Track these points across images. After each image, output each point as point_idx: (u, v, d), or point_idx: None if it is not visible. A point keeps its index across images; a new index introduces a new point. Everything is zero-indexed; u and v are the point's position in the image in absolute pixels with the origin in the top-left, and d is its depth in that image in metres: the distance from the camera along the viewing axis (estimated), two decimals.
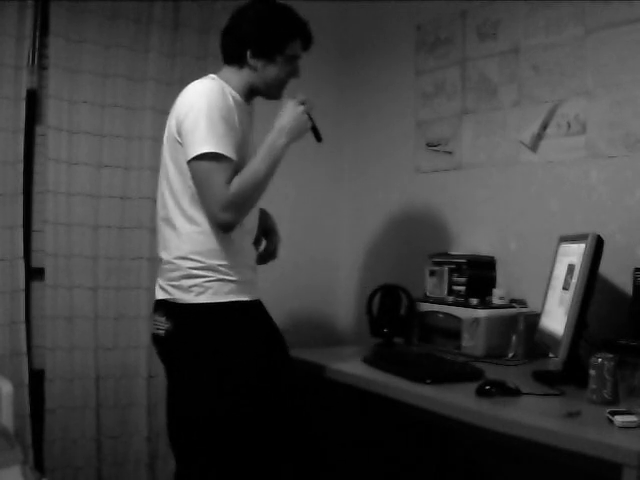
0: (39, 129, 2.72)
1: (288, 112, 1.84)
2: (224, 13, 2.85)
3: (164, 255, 1.87)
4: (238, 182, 1.74)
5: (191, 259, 1.80)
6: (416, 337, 2.52)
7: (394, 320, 2.52)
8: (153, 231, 2.79)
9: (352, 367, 2.14)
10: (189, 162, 1.76)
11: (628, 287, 2.02)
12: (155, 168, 2.77)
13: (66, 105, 2.66)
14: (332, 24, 3.24)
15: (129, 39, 2.76)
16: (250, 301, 1.86)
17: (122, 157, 2.78)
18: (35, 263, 2.72)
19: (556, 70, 2.36)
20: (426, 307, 2.50)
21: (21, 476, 1.80)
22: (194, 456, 1.82)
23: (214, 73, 1.90)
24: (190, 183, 1.79)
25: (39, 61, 2.67)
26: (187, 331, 1.81)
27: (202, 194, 1.76)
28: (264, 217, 2.09)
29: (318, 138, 1.94)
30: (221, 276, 1.80)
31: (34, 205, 2.72)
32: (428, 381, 1.87)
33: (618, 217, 2.16)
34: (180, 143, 1.79)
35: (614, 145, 2.18)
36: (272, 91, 1.92)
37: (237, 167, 1.77)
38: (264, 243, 2.11)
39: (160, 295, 1.87)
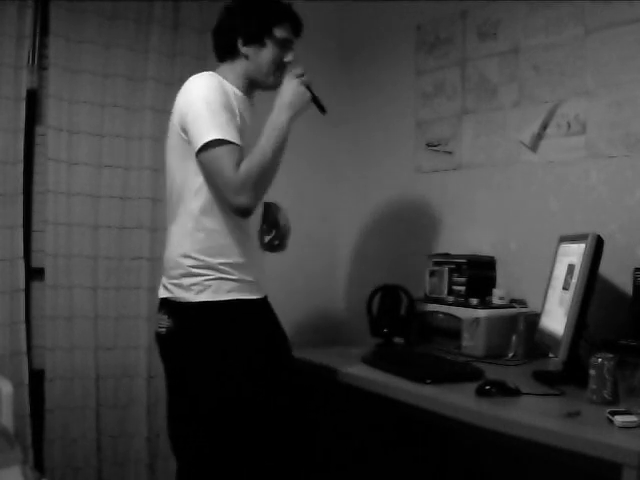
0: (39, 129, 2.72)
1: (285, 87, 1.84)
2: None
3: (167, 253, 1.88)
4: (246, 164, 1.73)
5: (191, 257, 1.80)
6: (416, 337, 2.52)
7: (394, 320, 2.52)
8: (153, 231, 2.81)
9: (352, 367, 2.14)
10: (198, 155, 1.75)
11: (628, 287, 2.02)
12: (155, 168, 2.80)
13: (66, 105, 2.66)
14: (332, 24, 3.24)
15: (129, 39, 2.76)
16: (252, 299, 1.85)
17: (122, 157, 2.78)
18: (35, 263, 2.72)
19: (556, 70, 2.36)
20: (426, 307, 2.50)
21: (21, 476, 1.80)
22: (194, 454, 1.82)
23: (214, 69, 1.90)
24: (195, 179, 1.79)
25: (39, 61, 2.67)
26: (187, 330, 1.81)
27: (215, 183, 1.76)
28: (272, 209, 2.09)
29: (322, 109, 1.92)
30: (221, 275, 1.80)
31: (34, 205, 2.72)
32: (428, 381, 1.87)
33: (618, 217, 2.16)
34: (185, 140, 1.79)
35: (614, 145, 2.18)
36: (270, 79, 1.91)
37: (243, 154, 1.76)
38: (273, 234, 2.10)
39: (163, 293, 1.88)
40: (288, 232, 2.10)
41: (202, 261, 1.80)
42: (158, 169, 2.79)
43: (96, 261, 2.73)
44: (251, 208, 1.76)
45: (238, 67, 1.90)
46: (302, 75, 1.86)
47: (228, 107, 1.77)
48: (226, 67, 1.91)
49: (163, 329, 1.84)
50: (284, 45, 1.90)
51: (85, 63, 2.69)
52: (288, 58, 1.91)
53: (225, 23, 1.93)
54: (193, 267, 1.80)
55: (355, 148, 3.26)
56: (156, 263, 2.81)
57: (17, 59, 2.55)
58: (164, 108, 2.77)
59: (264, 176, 1.76)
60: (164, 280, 1.89)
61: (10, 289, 2.55)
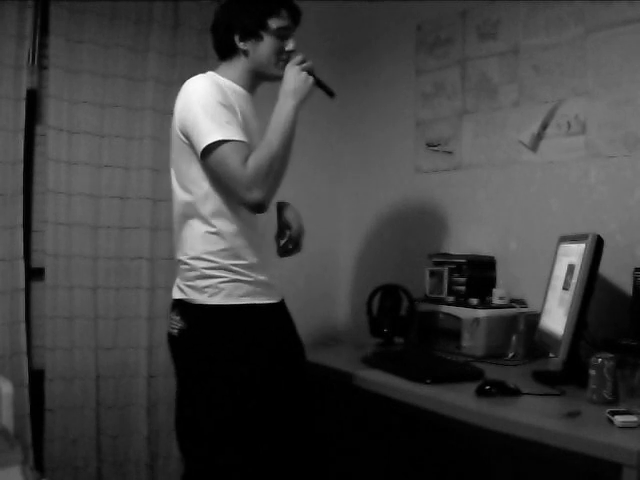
0: (39, 129, 2.71)
1: (287, 76, 1.83)
2: None
3: (180, 256, 1.86)
4: (253, 158, 1.71)
5: (204, 259, 1.79)
6: (416, 337, 2.52)
7: (394, 320, 2.52)
8: (153, 231, 2.81)
9: (352, 367, 2.14)
10: (203, 159, 1.74)
11: (628, 287, 2.02)
12: (155, 168, 2.80)
13: (66, 105, 2.66)
14: (332, 24, 3.24)
15: (129, 39, 2.76)
16: (265, 304, 1.84)
17: (122, 157, 2.77)
18: (35, 263, 2.71)
19: (556, 70, 2.36)
20: (426, 307, 2.50)
21: (21, 476, 1.80)
22: (202, 456, 1.81)
23: (215, 69, 1.90)
24: (201, 182, 1.78)
25: (39, 61, 2.66)
26: (199, 332, 1.80)
27: (225, 183, 1.74)
28: (283, 211, 2.07)
29: (329, 93, 1.91)
30: (236, 277, 1.79)
31: (34, 205, 2.72)
32: (428, 381, 1.87)
33: (618, 217, 2.16)
34: (186, 144, 1.78)
35: (614, 145, 2.18)
36: (274, 70, 1.89)
37: (249, 150, 1.75)
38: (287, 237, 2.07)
39: (176, 295, 1.87)
40: (302, 234, 2.07)
41: (216, 263, 1.78)
42: (158, 169, 2.80)
43: (96, 261, 2.73)
44: (265, 202, 1.74)
45: (239, 63, 1.89)
46: (302, 62, 1.85)
47: (225, 105, 1.75)
48: (227, 65, 1.90)
49: (175, 330, 1.84)
50: (282, 35, 1.88)
51: (85, 63, 2.69)
52: (289, 47, 1.88)
53: (221, 21, 1.92)
54: (207, 269, 1.79)
55: (355, 148, 3.26)
56: (156, 263, 2.82)
57: (17, 59, 2.55)
58: (164, 108, 2.78)
59: (274, 167, 1.74)
60: (178, 281, 1.88)
61: (10, 289, 2.55)
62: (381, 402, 1.97)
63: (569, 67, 2.31)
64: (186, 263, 1.83)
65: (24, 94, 2.58)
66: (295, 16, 1.91)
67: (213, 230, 1.79)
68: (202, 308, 1.79)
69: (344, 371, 2.12)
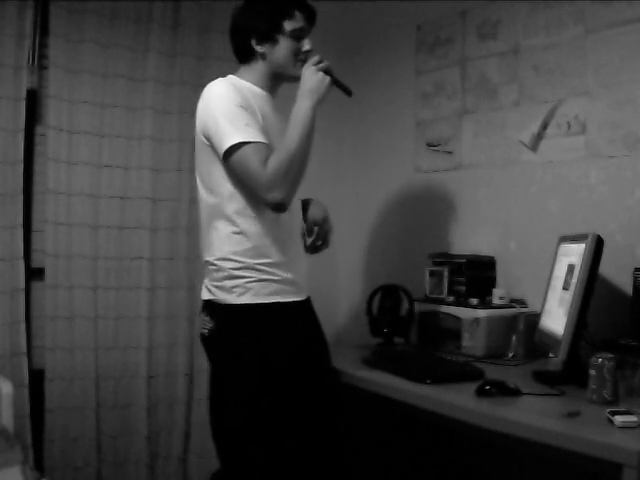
0: (39, 129, 2.71)
1: (304, 76, 1.84)
2: (224, 13, 2.86)
3: (207, 257, 1.88)
4: (274, 158, 1.73)
5: (231, 260, 1.81)
6: (416, 337, 2.52)
7: (394, 320, 2.52)
8: (153, 231, 2.81)
9: (352, 367, 2.14)
10: (225, 162, 1.76)
11: (628, 287, 2.02)
12: (155, 168, 2.80)
13: (66, 105, 2.66)
14: (332, 24, 3.22)
15: (129, 39, 2.76)
16: (292, 302, 1.86)
17: (122, 157, 2.78)
18: (35, 263, 2.72)
19: (556, 70, 2.36)
20: (426, 307, 2.50)
21: (21, 476, 1.80)
22: (235, 455, 1.84)
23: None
24: (225, 184, 1.80)
25: (39, 61, 2.67)
26: (229, 331, 1.83)
27: (246, 185, 1.77)
28: (309, 207, 2.07)
29: (347, 92, 1.93)
30: (263, 276, 1.81)
31: (34, 205, 2.72)
32: (428, 381, 1.87)
33: (618, 217, 2.16)
34: (208, 146, 1.81)
35: (614, 145, 2.18)
36: (292, 70, 1.90)
37: (270, 151, 1.76)
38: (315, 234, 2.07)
39: (205, 295, 1.90)
40: (329, 229, 2.09)
41: (242, 263, 1.80)
42: (158, 169, 2.80)
43: (96, 261, 2.73)
44: (286, 202, 1.75)
45: (258, 66, 1.90)
46: (319, 62, 1.85)
47: (245, 107, 1.77)
48: (246, 68, 1.92)
49: (206, 330, 1.87)
50: (297, 35, 1.89)
51: (85, 63, 2.69)
52: (305, 47, 1.89)
53: (237, 25, 1.93)
54: (234, 269, 1.81)
55: (355, 148, 3.26)
56: (156, 263, 2.82)
57: (17, 59, 2.55)
58: (164, 108, 2.78)
59: (294, 167, 1.75)
60: (206, 282, 1.90)
61: (10, 289, 2.55)
62: (381, 402, 1.97)
63: (569, 67, 2.31)
64: (213, 264, 1.85)
65: (24, 94, 2.58)
66: (310, 16, 1.92)
67: (238, 230, 1.81)
68: (231, 308, 1.82)
69: (344, 371, 2.12)
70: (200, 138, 1.83)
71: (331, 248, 3.26)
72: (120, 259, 2.77)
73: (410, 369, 1.99)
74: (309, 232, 2.04)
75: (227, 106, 1.76)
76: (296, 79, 1.89)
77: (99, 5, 2.70)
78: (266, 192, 1.72)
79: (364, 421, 2.44)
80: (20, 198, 2.58)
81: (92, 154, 2.72)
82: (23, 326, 2.57)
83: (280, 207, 1.76)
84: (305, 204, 2.07)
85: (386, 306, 2.55)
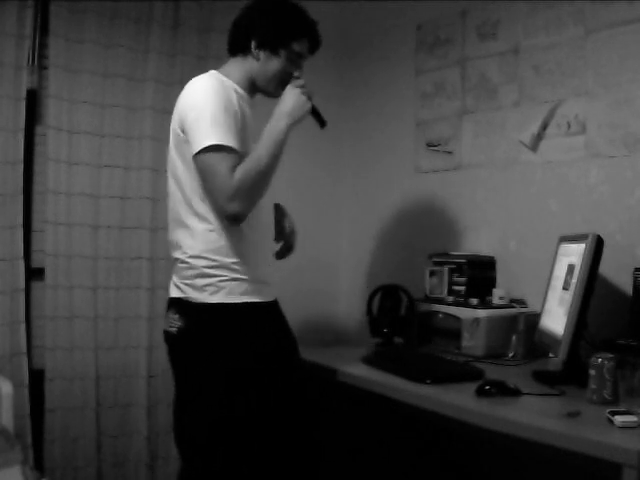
0: (39, 129, 2.71)
1: (286, 95, 1.84)
2: (224, 13, 2.86)
3: (178, 254, 1.86)
4: (241, 170, 1.72)
5: (205, 258, 1.79)
6: (416, 337, 2.52)
7: (394, 320, 2.52)
8: (153, 231, 2.81)
9: (352, 367, 2.14)
10: (194, 157, 1.75)
11: (628, 287, 2.02)
12: (155, 168, 2.80)
13: (66, 105, 2.66)
14: (332, 24, 3.21)
15: (129, 39, 2.76)
16: (264, 302, 1.85)
17: (122, 157, 2.77)
18: (35, 263, 2.71)
19: (556, 70, 2.36)
20: (426, 307, 2.50)
21: (21, 476, 1.80)
22: (199, 456, 1.81)
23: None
24: (199, 182, 1.78)
25: (39, 61, 2.66)
26: (199, 330, 1.81)
27: (208, 187, 1.75)
28: (277, 215, 2.08)
29: (321, 123, 1.92)
30: (235, 275, 1.79)
31: (34, 205, 2.72)
32: (428, 381, 1.87)
33: (618, 217, 2.16)
34: (185, 141, 1.78)
35: (614, 145, 2.18)
36: (270, 87, 1.91)
37: (241, 158, 1.75)
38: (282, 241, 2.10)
39: (174, 293, 1.87)
40: (294, 236, 2.11)
41: (215, 261, 1.79)
42: (158, 169, 2.80)
43: (96, 261, 2.73)
44: (243, 215, 1.75)
45: (246, 65, 1.90)
46: (303, 86, 1.86)
47: (229, 109, 1.76)
48: (234, 63, 1.91)
49: (174, 328, 1.84)
50: (295, 59, 1.90)
51: (85, 63, 2.69)
52: (296, 74, 1.90)
53: (246, 19, 1.91)
54: (207, 267, 1.79)
55: (355, 148, 3.26)
56: (156, 263, 2.81)
57: (17, 59, 2.55)
58: (164, 108, 2.77)
59: (258, 183, 1.75)
60: (176, 280, 1.87)
61: (10, 289, 2.55)
62: (381, 402, 1.97)
63: (569, 67, 2.31)
64: (185, 262, 1.83)
65: (24, 94, 2.58)
66: (314, 48, 1.94)
67: (212, 228, 1.79)
68: (202, 307, 1.79)
69: (344, 371, 2.12)
70: (177, 131, 1.81)
71: (331, 248, 3.29)
72: (120, 259, 2.77)
73: (410, 369, 1.99)
74: (278, 237, 2.07)
75: (211, 105, 1.74)
76: (267, 95, 1.93)
77: (99, 5, 2.70)
78: (227, 201, 1.71)
79: (364, 421, 2.44)
80: (20, 198, 2.58)
81: (92, 154, 2.72)
82: (23, 326, 2.57)
83: (236, 219, 1.75)
84: (275, 209, 2.06)
85: (386, 306, 2.55)
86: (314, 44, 1.93)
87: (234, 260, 1.79)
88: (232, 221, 1.76)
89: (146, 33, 2.78)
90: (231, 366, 1.77)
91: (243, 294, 1.80)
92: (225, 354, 1.78)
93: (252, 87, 1.93)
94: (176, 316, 1.84)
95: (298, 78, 1.89)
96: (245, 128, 1.81)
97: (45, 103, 2.67)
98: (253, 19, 1.89)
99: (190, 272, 1.82)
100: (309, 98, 1.86)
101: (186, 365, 1.85)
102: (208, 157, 1.72)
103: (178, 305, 1.85)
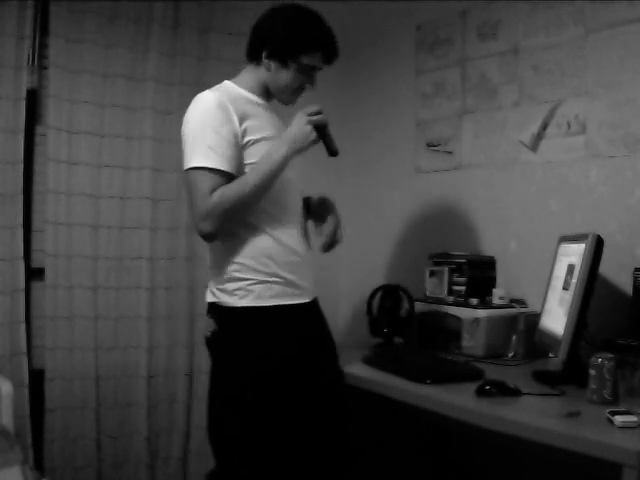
0: (39, 129, 2.71)
1: (294, 122, 1.81)
2: (224, 13, 2.87)
3: (212, 260, 1.89)
4: (221, 192, 1.72)
5: (234, 262, 1.81)
6: (416, 337, 2.52)
7: (394, 320, 2.52)
8: (153, 231, 2.81)
9: (352, 367, 2.14)
10: (184, 173, 1.79)
11: (628, 287, 2.02)
12: (155, 168, 2.80)
13: (66, 105, 2.66)
14: (332, 24, 3.21)
15: (129, 39, 2.76)
16: (295, 304, 1.85)
17: (122, 157, 2.78)
18: (35, 263, 2.71)
19: (556, 70, 2.36)
20: (426, 307, 2.50)
21: (21, 476, 1.80)
22: (229, 456, 1.84)
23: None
24: None
25: (39, 61, 2.66)
26: (229, 334, 1.83)
27: (189, 203, 1.81)
28: (311, 203, 2.08)
29: (331, 152, 1.86)
30: (265, 278, 1.80)
31: (34, 205, 2.72)
32: (428, 381, 1.87)
33: (618, 217, 2.16)
34: None
35: (614, 145, 2.18)
36: (284, 96, 1.91)
37: (232, 178, 1.76)
38: (325, 230, 2.06)
39: (209, 298, 1.90)
40: (339, 224, 2.09)
41: (244, 265, 1.80)
42: (158, 169, 2.80)
43: (96, 261, 2.73)
44: (213, 235, 1.77)
45: (259, 74, 1.88)
46: (317, 113, 1.81)
47: (221, 130, 1.74)
48: (248, 69, 1.91)
49: (209, 332, 1.87)
50: (307, 72, 1.87)
51: (85, 63, 2.69)
52: (308, 88, 1.89)
53: (261, 27, 1.89)
54: (236, 272, 1.81)
55: (355, 148, 3.26)
56: (156, 263, 2.82)
57: (17, 59, 2.55)
58: (164, 108, 2.78)
59: (234, 206, 1.74)
60: (210, 285, 1.90)
61: (10, 289, 2.55)
62: (381, 402, 1.97)
63: (569, 67, 2.31)
64: (216, 267, 1.86)
65: (24, 94, 2.58)
66: (330, 59, 1.90)
67: (241, 232, 1.81)
68: (232, 310, 1.82)
69: (344, 371, 2.11)
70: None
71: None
72: (120, 259, 2.77)
73: (410, 369, 1.99)
74: (318, 230, 2.05)
75: (202, 124, 1.75)
76: (282, 102, 1.92)
77: (99, 5, 2.70)
78: (200, 220, 1.74)
79: (364, 421, 2.44)
80: (20, 198, 2.58)
81: (92, 154, 2.72)
82: (23, 326, 2.57)
83: (206, 238, 1.79)
84: (307, 202, 2.05)
85: (386, 306, 2.55)
86: (329, 55, 1.89)
87: (263, 263, 1.81)
88: (203, 239, 1.80)
89: (146, 33, 2.78)
90: (258, 369, 1.78)
91: (272, 297, 1.81)
92: (253, 357, 1.79)
93: (267, 93, 1.91)
94: (211, 320, 1.87)
95: (311, 88, 1.89)
96: (251, 132, 1.79)
97: (45, 103, 2.67)
98: (266, 28, 1.86)
99: (221, 277, 1.84)
100: (321, 127, 1.81)
101: (218, 368, 1.88)
102: (192, 174, 1.75)
103: (212, 309, 1.88)
